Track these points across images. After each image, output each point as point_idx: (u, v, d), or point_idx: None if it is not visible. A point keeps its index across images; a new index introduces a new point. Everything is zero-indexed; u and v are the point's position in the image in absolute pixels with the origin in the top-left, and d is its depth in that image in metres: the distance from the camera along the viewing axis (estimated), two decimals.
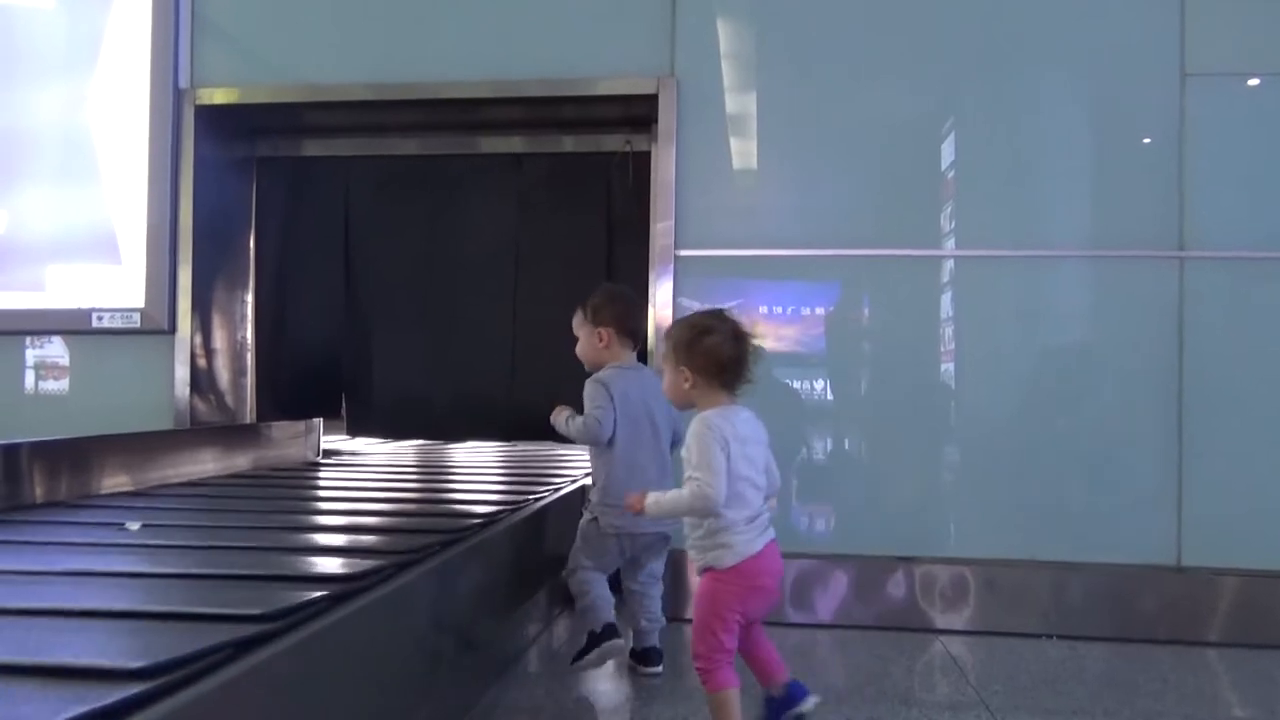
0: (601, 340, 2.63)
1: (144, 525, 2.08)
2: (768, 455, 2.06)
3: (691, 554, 2.04)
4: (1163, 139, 3.16)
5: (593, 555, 2.59)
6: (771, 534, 2.03)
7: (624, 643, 2.51)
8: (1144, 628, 3.05)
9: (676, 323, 2.18)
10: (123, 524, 2.09)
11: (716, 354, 1.99)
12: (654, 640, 2.61)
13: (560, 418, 2.60)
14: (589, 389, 2.58)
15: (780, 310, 3.32)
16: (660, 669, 2.57)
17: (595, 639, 2.50)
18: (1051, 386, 3.20)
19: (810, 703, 2.02)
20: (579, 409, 2.59)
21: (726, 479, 1.91)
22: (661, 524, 2.49)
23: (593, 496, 2.63)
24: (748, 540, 1.96)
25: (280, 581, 1.52)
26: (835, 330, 3.31)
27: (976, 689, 2.54)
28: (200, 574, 1.63)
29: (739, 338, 2.02)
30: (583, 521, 2.64)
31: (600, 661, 2.50)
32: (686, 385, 2.02)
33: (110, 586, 1.56)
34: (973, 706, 2.40)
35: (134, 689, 0.95)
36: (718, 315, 2.09)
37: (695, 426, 1.97)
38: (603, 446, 2.57)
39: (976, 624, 3.11)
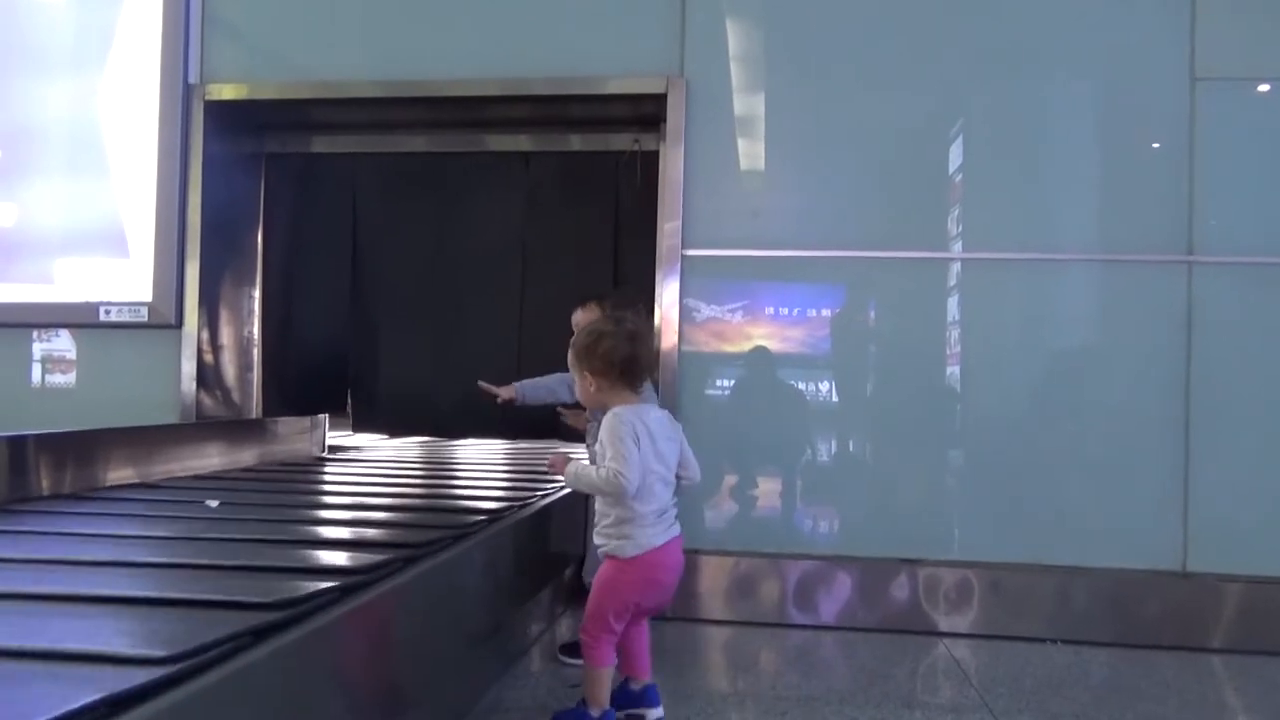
0: None
1: (222, 503, 2.36)
2: (685, 449, 2.18)
3: (597, 540, 2.14)
4: (1172, 143, 3.15)
5: None
6: (677, 530, 2.14)
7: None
8: (1149, 633, 3.04)
9: (578, 331, 2.28)
10: (203, 501, 2.38)
11: (611, 356, 2.12)
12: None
13: (557, 382, 2.72)
14: None
15: (787, 311, 3.32)
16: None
17: None
18: (1058, 390, 3.20)
19: (655, 715, 2.17)
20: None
21: (640, 470, 2.00)
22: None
23: None
24: (651, 534, 2.07)
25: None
26: (841, 332, 3.31)
27: (980, 692, 2.53)
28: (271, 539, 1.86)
29: (634, 338, 2.16)
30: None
31: None
32: (592, 389, 2.16)
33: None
34: (976, 710, 2.39)
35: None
36: (615, 320, 2.25)
37: (608, 420, 2.08)
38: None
39: (980, 627, 3.11)
